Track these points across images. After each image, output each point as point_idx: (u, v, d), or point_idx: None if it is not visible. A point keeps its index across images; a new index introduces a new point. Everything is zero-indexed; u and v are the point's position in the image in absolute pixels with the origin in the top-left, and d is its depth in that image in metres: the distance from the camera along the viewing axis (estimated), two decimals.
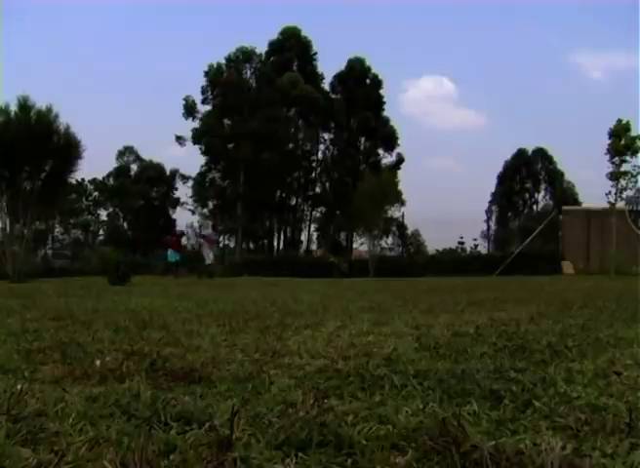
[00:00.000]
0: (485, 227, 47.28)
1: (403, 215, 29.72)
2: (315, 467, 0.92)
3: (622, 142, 11.35)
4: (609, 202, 11.85)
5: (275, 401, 1.35)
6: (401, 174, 37.26)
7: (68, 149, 15.15)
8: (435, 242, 43.12)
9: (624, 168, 11.46)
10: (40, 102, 15.16)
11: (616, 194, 11.61)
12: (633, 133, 11.37)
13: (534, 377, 1.60)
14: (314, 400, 1.32)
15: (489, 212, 47.57)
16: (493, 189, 48.50)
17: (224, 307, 5.34)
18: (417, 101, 66.47)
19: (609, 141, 11.49)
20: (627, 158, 11.45)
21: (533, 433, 1.08)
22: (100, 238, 44.10)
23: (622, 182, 11.51)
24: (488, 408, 1.25)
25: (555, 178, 46.87)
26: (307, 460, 0.94)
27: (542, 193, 48.43)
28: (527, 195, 48.55)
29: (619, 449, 0.96)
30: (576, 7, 62.28)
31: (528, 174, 47.74)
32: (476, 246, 42.82)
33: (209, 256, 18.55)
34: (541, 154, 47.52)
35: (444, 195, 61.00)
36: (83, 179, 42.55)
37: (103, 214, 45.58)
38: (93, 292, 8.33)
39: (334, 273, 19.07)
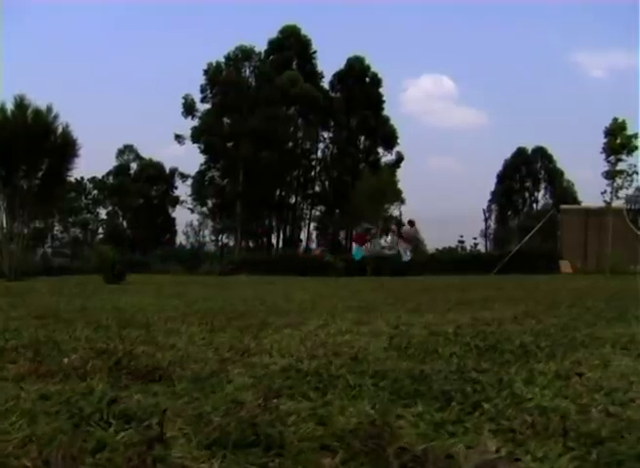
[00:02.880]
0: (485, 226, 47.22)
1: (401, 214, 29.67)
2: (237, 467, 0.91)
3: (618, 141, 11.34)
4: (604, 201, 11.83)
5: (225, 400, 1.34)
6: (401, 172, 37.28)
7: (65, 148, 15.16)
8: (435, 241, 43.09)
9: (620, 166, 11.46)
10: (40, 102, 15.19)
11: (611, 193, 11.59)
12: (629, 131, 11.40)
13: (494, 378, 1.58)
14: (263, 399, 1.31)
15: (488, 210, 47.51)
16: (493, 188, 48.50)
17: (213, 306, 5.33)
18: (416, 100, 66.42)
19: (604, 140, 11.49)
20: (623, 157, 11.45)
21: (474, 435, 1.07)
22: (100, 236, 44.16)
23: (618, 181, 11.50)
24: (435, 409, 1.24)
25: (555, 177, 46.83)
26: (234, 460, 0.93)
27: (542, 192, 48.42)
28: (527, 194, 48.52)
29: (550, 453, 0.95)
30: (576, 6, 62.08)
31: (528, 172, 47.70)
32: (476, 245, 42.75)
33: (406, 253, 18.18)
34: (541, 153, 47.47)
35: (444, 194, 60.95)
36: (82, 178, 42.60)
37: (103, 213, 45.66)
38: (86, 291, 8.33)
39: (329, 272, 19.03)
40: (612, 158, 11.56)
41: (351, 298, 6.44)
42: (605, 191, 11.60)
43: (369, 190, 24.20)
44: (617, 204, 14.43)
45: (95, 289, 9.22)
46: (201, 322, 3.77)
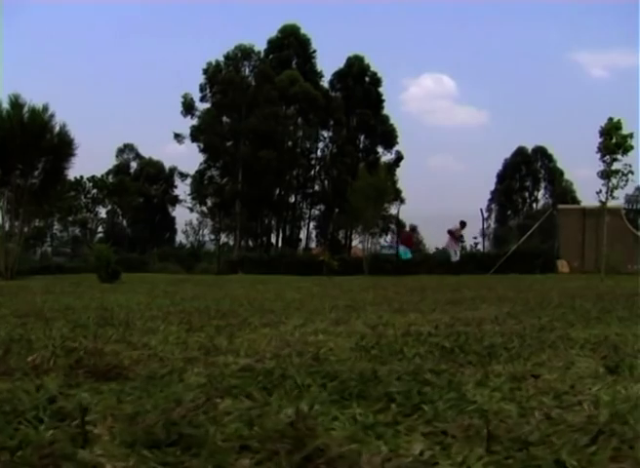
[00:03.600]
0: (485, 225, 47.13)
1: (398, 213, 29.55)
2: (147, 466, 0.90)
3: (613, 141, 11.31)
4: (600, 201, 11.81)
5: (167, 399, 1.33)
6: (401, 171, 37.29)
7: (62, 147, 15.18)
8: (435, 240, 42.99)
9: (616, 166, 11.43)
10: (38, 100, 15.26)
11: (607, 192, 11.57)
12: (625, 131, 11.36)
13: (447, 380, 1.56)
14: (205, 399, 1.31)
15: (487, 210, 47.47)
16: (493, 187, 48.48)
17: (199, 305, 5.31)
18: (417, 99, 66.48)
19: (600, 140, 11.47)
20: (619, 156, 11.41)
21: (404, 438, 1.06)
22: (100, 235, 44.20)
23: (614, 181, 11.47)
24: (374, 411, 1.22)
25: (555, 177, 46.81)
26: (150, 458, 0.93)
27: (542, 192, 48.42)
28: (527, 194, 48.52)
29: (470, 457, 0.93)
30: (576, 5, 62.00)
31: (528, 172, 47.69)
32: (476, 244, 42.64)
33: (455, 253, 18.04)
34: (541, 153, 47.45)
35: (444, 193, 60.91)
36: (82, 177, 42.58)
37: (102, 212, 45.66)
38: (77, 290, 8.33)
39: (323, 271, 18.99)
40: (607, 158, 11.53)
41: (340, 298, 6.42)
42: (600, 191, 11.60)
43: (364, 189, 24.08)
44: (614, 203, 14.37)
45: (87, 288, 9.23)
46: (181, 321, 3.76)
